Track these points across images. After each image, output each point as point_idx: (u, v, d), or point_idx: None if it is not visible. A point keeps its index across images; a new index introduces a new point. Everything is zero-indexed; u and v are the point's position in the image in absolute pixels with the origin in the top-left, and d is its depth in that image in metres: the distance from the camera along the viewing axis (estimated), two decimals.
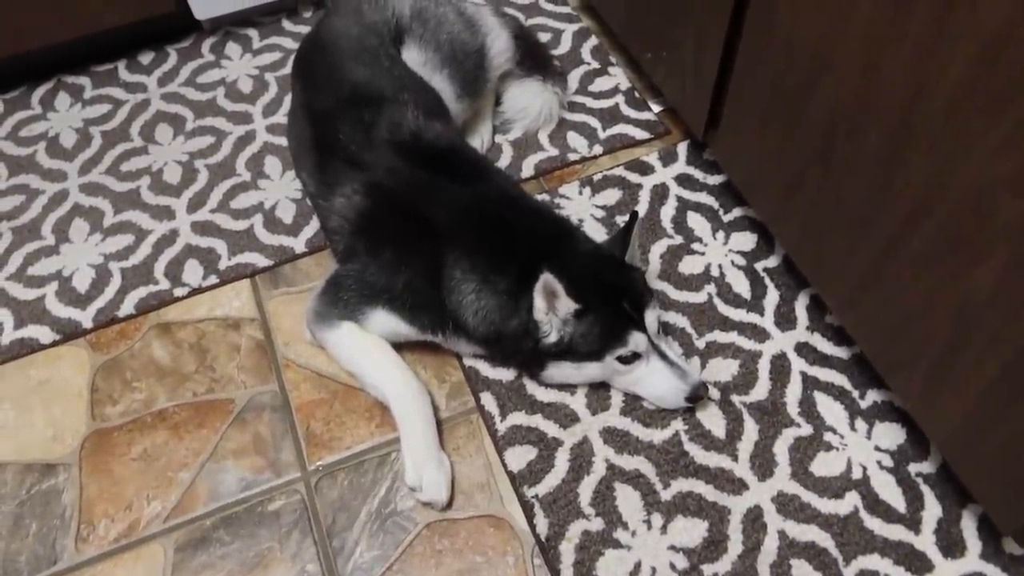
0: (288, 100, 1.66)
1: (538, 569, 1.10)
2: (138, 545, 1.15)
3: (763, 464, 1.17)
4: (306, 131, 1.38)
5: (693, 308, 1.33)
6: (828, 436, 1.19)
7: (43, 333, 1.36)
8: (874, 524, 1.11)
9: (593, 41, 1.79)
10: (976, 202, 0.85)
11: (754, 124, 1.24)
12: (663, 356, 1.16)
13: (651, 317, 1.15)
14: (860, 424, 1.20)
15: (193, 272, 1.43)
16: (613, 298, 1.13)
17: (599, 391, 1.24)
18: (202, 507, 1.17)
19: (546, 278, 1.07)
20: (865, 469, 1.16)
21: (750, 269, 1.38)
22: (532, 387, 1.25)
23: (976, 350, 0.92)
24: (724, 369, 1.26)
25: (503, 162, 1.57)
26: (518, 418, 1.22)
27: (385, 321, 1.23)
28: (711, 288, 1.36)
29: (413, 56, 1.45)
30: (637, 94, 1.68)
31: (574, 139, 1.60)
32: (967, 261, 0.89)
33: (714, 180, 1.51)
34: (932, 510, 1.12)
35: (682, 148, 1.57)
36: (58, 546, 1.15)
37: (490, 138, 1.60)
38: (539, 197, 1.48)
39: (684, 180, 1.52)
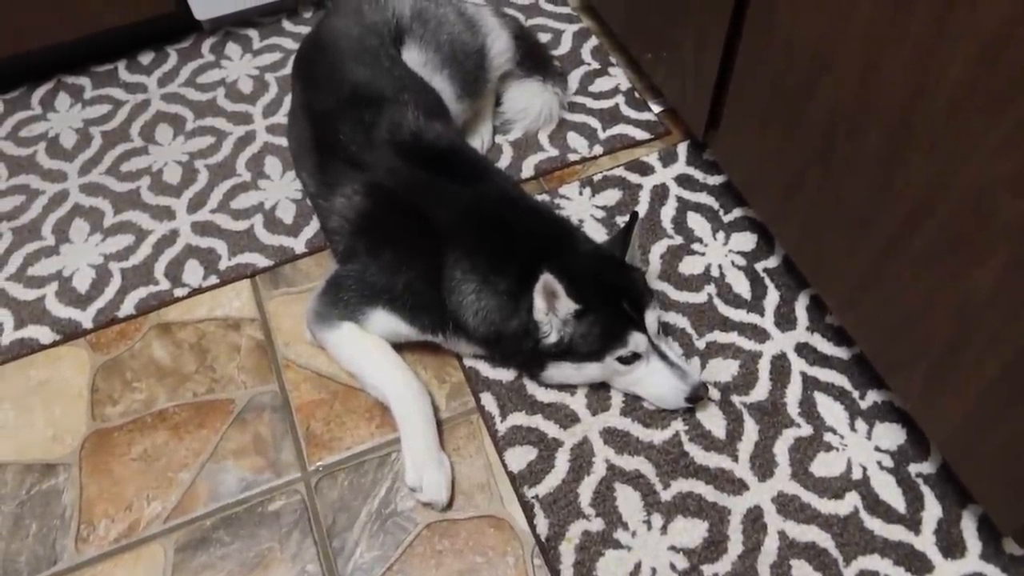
0: (288, 100, 1.66)
1: (538, 569, 1.10)
2: (138, 545, 1.14)
3: (763, 464, 1.17)
4: (306, 131, 1.38)
5: (693, 308, 1.33)
6: (828, 436, 1.19)
7: (43, 333, 1.36)
8: (874, 524, 1.11)
9: (593, 41, 1.79)
10: (976, 202, 0.85)
11: (754, 124, 1.24)
12: (663, 356, 1.16)
13: (651, 317, 1.15)
14: (860, 424, 1.20)
15: (193, 272, 1.43)
16: (613, 298, 1.13)
17: (599, 391, 1.24)
18: (202, 507, 1.17)
19: (546, 278, 1.07)
20: (865, 469, 1.16)
21: (750, 269, 1.38)
22: (532, 387, 1.25)
23: (976, 350, 0.92)
24: (724, 369, 1.26)
25: (503, 162, 1.57)
26: (518, 418, 1.22)
27: (385, 321, 1.23)
28: (711, 288, 1.36)
29: (413, 56, 1.45)
30: (637, 94, 1.68)
31: (574, 139, 1.60)
32: (967, 261, 0.89)
33: (714, 180, 1.51)
34: (932, 510, 1.12)
35: (682, 148, 1.57)
36: (58, 546, 1.15)
37: (490, 138, 1.60)
38: (539, 197, 1.48)
39: (684, 180, 1.52)
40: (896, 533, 1.10)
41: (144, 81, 1.76)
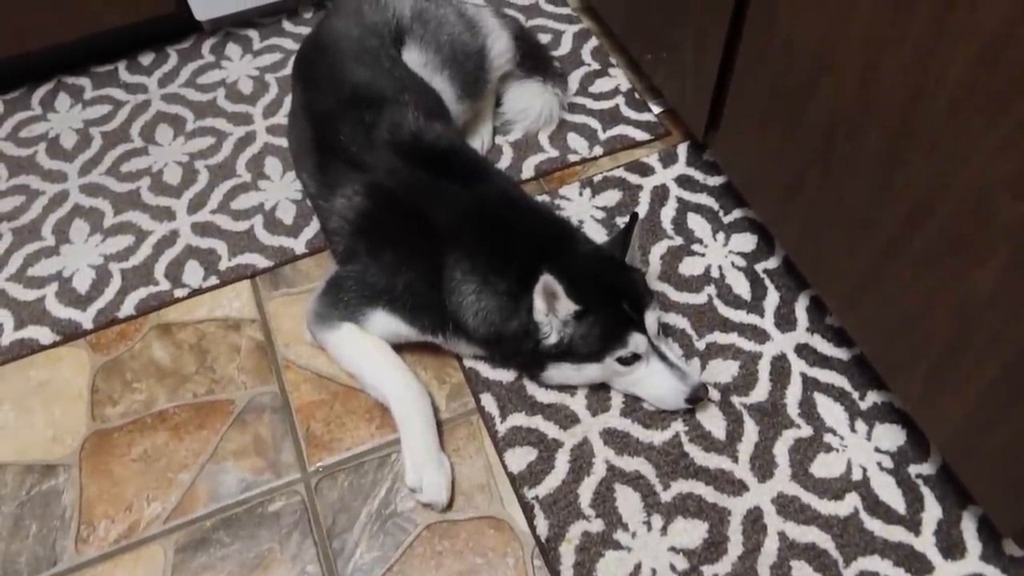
0: (288, 101, 1.66)
1: (538, 570, 1.10)
2: (138, 546, 1.14)
3: (763, 465, 1.16)
4: (307, 132, 1.38)
5: (693, 309, 1.33)
6: (828, 437, 1.19)
7: (43, 334, 1.36)
8: (874, 525, 1.11)
9: (593, 42, 1.79)
10: (976, 203, 0.85)
11: (754, 125, 1.24)
12: (663, 357, 1.16)
13: (651, 318, 1.15)
14: (860, 425, 1.20)
15: (193, 273, 1.43)
16: (613, 299, 1.13)
17: (599, 392, 1.24)
18: (202, 508, 1.17)
19: (546, 279, 1.07)
20: (865, 470, 1.16)
21: (750, 270, 1.38)
22: (532, 388, 1.25)
23: (976, 351, 0.92)
24: (724, 370, 1.26)
25: (503, 163, 1.57)
26: (518, 419, 1.22)
27: (385, 322, 1.23)
28: (711, 289, 1.36)
29: (414, 57, 1.45)
30: (637, 95, 1.68)
31: (574, 140, 1.60)
32: (967, 262, 0.89)
33: (714, 181, 1.51)
34: (932, 511, 1.12)
35: (682, 149, 1.57)
36: (58, 547, 1.15)
37: (490, 139, 1.60)
38: (539, 198, 1.48)
39: (684, 181, 1.52)
40: (896, 534, 1.10)
41: (144, 82, 1.76)
